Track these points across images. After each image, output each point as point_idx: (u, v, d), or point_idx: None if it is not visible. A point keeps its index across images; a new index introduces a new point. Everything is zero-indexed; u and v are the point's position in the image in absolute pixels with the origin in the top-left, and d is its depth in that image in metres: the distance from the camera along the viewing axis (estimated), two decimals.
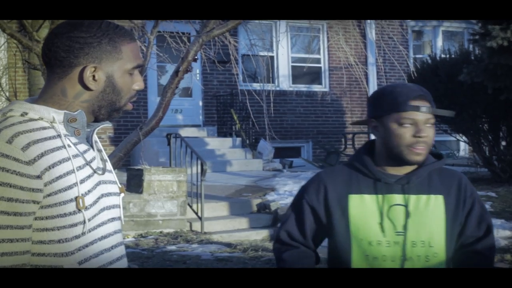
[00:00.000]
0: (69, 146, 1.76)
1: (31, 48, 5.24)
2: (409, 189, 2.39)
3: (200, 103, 14.91)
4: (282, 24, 14.70)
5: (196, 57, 4.97)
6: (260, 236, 9.07)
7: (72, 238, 1.73)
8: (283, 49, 15.11)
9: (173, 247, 8.09)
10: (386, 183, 2.39)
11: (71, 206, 1.72)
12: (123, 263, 1.88)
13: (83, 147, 1.82)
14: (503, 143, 11.54)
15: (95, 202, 1.78)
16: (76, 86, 1.80)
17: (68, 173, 1.72)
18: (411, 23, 16.89)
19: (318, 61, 16.02)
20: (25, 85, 10.96)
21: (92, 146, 1.87)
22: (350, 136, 15.23)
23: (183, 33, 7.80)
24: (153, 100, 13.58)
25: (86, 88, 1.80)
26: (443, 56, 12.16)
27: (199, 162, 9.50)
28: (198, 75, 14.41)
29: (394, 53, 11.58)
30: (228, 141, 14.20)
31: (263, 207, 9.94)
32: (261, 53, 12.58)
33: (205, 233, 8.98)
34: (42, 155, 1.69)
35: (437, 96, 9.40)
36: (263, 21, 12.87)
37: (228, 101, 14.52)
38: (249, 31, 9.28)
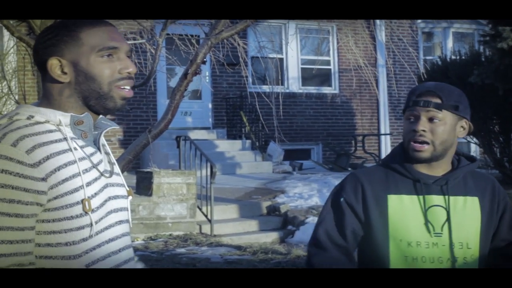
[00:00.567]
0: (75, 149, 1.76)
1: None
2: (447, 190, 2.37)
3: (210, 106, 14.90)
4: (291, 26, 14.68)
5: (205, 59, 4.97)
6: (270, 238, 9.05)
7: (80, 241, 1.72)
8: (292, 51, 15.08)
9: (182, 250, 8.08)
10: (425, 183, 2.36)
11: (78, 209, 1.71)
12: (131, 266, 1.87)
13: (90, 149, 1.81)
14: None
15: (102, 204, 1.77)
16: (55, 83, 1.81)
17: (74, 176, 1.72)
18: (421, 24, 16.82)
19: (327, 63, 15.99)
20: (34, 88, 10.98)
21: (99, 149, 1.86)
22: (360, 138, 15.19)
23: (192, 36, 7.79)
24: (162, 102, 13.57)
25: (61, 82, 1.80)
26: (453, 57, 12.10)
27: (208, 164, 9.49)
28: (207, 77, 14.41)
29: (404, 55, 11.51)
30: (237, 143, 14.19)
31: (273, 210, 9.92)
32: (271, 55, 12.56)
33: (215, 235, 8.97)
34: (47, 158, 1.69)
35: None
36: (272, 23, 12.84)
37: (238, 103, 14.51)
38: (258, 33, 9.26)
